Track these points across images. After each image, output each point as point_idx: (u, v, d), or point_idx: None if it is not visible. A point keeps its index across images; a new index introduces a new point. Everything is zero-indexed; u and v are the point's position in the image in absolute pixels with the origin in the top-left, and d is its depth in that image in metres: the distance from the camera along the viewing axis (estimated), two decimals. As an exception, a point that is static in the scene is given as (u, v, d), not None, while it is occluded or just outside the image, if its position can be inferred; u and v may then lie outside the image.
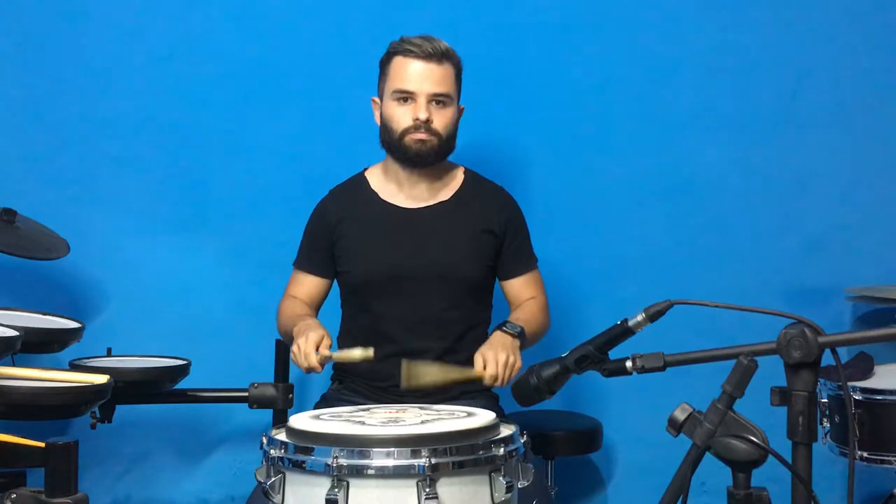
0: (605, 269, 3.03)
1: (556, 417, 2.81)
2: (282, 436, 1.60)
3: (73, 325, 2.49)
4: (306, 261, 2.45)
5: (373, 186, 2.42)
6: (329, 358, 2.10)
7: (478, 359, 2.11)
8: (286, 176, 2.95)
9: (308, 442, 1.53)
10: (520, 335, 2.21)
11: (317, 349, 2.07)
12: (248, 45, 2.97)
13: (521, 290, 2.43)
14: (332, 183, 2.48)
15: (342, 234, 2.38)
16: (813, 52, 3.06)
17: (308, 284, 2.43)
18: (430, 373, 2.06)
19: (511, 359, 2.11)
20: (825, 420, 2.38)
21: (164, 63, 2.94)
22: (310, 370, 2.08)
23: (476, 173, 2.48)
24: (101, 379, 2.00)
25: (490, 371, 2.08)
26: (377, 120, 2.38)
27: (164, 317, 2.90)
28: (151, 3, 2.97)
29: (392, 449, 1.47)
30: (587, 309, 2.97)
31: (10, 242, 2.39)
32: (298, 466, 1.51)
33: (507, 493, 1.50)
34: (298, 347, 2.08)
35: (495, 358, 2.09)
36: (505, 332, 2.21)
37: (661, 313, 1.53)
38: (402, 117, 2.29)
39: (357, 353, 2.05)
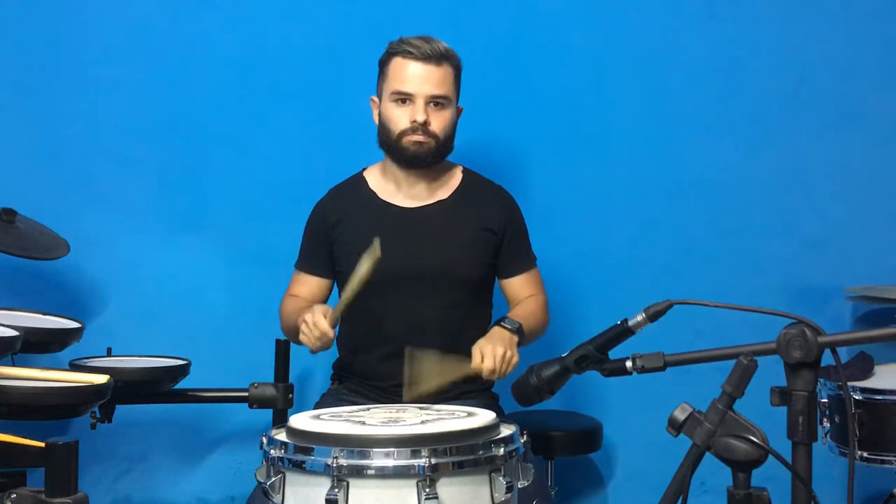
0: (605, 269, 3.03)
1: (556, 417, 2.81)
2: (282, 436, 1.60)
3: (73, 325, 2.49)
4: (307, 262, 2.45)
5: (371, 186, 2.42)
6: (340, 309, 2.09)
7: (475, 352, 2.11)
8: (286, 176, 2.95)
9: (308, 442, 1.52)
10: (518, 331, 2.21)
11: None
12: (248, 45, 2.97)
13: (520, 288, 2.43)
14: (331, 183, 2.48)
15: (341, 234, 2.38)
16: (813, 52, 3.07)
17: (310, 285, 2.43)
18: (431, 376, 2.04)
19: (508, 353, 2.11)
20: (825, 420, 2.38)
21: (164, 63, 2.95)
22: (321, 339, 2.07)
23: (474, 172, 2.48)
24: (101, 379, 2.01)
25: (488, 364, 2.07)
26: (376, 119, 2.38)
27: (164, 317, 2.90)
28: (151, 3, 2.97)
29: (392, 449, 1.47)
30: (587, 309, 2.97)
31: (10, 242, 2.40)
32: (298, 466, 1.51)
33: (507, 493, 1.50)
34: (306, 322, 2.08)
35: (493, 351, 2.09)
36: (503, 327, 2.21)
37: (661, 313, 1.53)
38: (399, 119, 2.29)
39: (364, 266, 2.00)
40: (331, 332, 2.08)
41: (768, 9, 3.07)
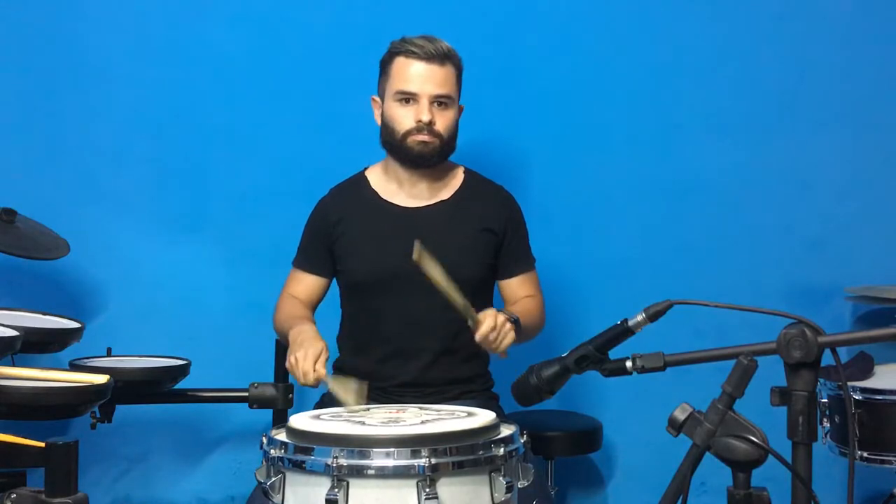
0: (605, 269, 3.03)
1: (556, 417, 2.81)
2: (282, 436, 1.60)
3: (73, 325, 2.49)
4: (305, 259, 2.45)
5: (373, 186, 2.42)
6: (325, 382, 2.05)
7: (481, 314, 2.06)
8: (286, 176, 2.96)
9: (308, 442, 1.52)
10: (516, 322, 2.18)
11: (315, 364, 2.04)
12: (248, 45, 2.97)
13: (517, 289, 2.42)
14: (332, 183, 2.48)
15: (342, 233, 2.38)
16: (813, 51, 3.07)
17: (306, 283, 2.43)
18: (437, 273, 1.98)
19: (508, 326, 2.08)
20: (825, 420, 2.38)
21: (164, 62, 2.95)
22: (305, 385, 2.05)
23: (476, 173, 2.48)
24: (101, 379, 2.01)
25: (489, 322, 2.04)
26: (377, 119, 2.38)
27: (164, 317, 2.90)
28: (151, 3, 2.97)
29: (392, 449, 1.47)
30: (587, 309, 2.97)
31: (10, 242, 2.40)
32: (298, 466, 1.51)
33: (507, 493, 1.50)
34: (297, 361, 2.04)
35: (495, 315, 2.06)
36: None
37: (661, 313, 1.53)
38: (404, 118, 2.29)
39: (352, 389, 1.93)
40: (315, 386, 2.05)
41: (768, 9, 3.07)
